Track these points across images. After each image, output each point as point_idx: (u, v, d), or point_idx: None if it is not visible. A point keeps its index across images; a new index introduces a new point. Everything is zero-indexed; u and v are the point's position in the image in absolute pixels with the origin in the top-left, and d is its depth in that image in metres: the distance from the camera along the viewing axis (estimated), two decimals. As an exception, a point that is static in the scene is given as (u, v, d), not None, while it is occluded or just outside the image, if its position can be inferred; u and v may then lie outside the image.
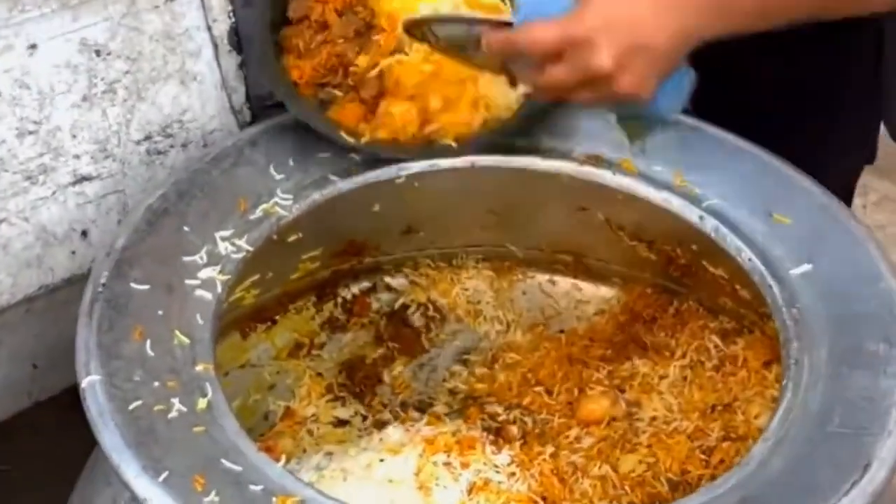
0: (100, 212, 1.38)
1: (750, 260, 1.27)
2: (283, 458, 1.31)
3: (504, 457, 1.29)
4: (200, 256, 1.23)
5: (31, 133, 1.31)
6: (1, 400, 1.52)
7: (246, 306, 1.51)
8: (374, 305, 1.61)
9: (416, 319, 1.59)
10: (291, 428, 1.48)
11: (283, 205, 1.31)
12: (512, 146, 1.40)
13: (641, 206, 1.37)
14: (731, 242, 1.29)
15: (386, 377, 1.55)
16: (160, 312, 1.16)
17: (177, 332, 1.14)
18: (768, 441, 1.09)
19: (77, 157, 1.35)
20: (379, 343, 1.58)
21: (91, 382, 1.06)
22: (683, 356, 1.45)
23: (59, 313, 1.41)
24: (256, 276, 1.44)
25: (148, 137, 1.40)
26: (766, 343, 1.39)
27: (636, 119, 1.24)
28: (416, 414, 1.48)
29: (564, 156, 1.39)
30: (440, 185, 1.42)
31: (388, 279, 1.61)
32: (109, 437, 1.02)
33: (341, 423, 1.49)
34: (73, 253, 1.39)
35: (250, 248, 1.26)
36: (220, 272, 1.22)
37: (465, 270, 1.60)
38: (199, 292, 1.19)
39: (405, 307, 1.60)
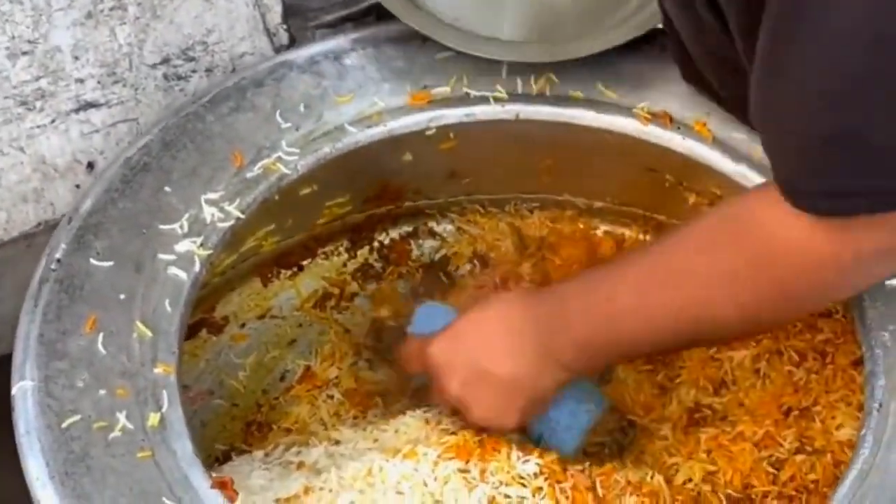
0: (108, 142, 1.24)
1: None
2: (281, 447, 1.17)
3: (531, 465, 1.11)
4: (180, 225, 1.05)
5: (24, 54, 1.18)
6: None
7: (265, 253, 1.34)
8: (415, 253, 1.42)
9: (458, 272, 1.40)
10: (310, 392, 1.33)
11: (288, 161, 1.12)
12: (566, 96, 1.17)
13: (717, 179, 1.14)
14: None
15: (422, 338, 1.37)
16: (122, 297, 0.99)
17: (138, 323, 0.98)
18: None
19: (80, 81, 1.22)
20: (416, 298, 1.39)
21: (22, 390, 0.90)
22: (758, 342, 1.24)
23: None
24: (271, 226, 1.28)
25: (165, 61, 1.25)
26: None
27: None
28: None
29: (626, 110, 1.16)
30: (483, 136, 1.22)
31: (431, 224, 1.42)
32: (33, 463, 0.86)
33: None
34: (78, 187, 1.25)
35: (241, 215, 1.08)
36: (201, 245, 1.04)
37: (519, 218, 1.39)
38: (172, 270, 1.02)
39: (446, 259, 1.40)
